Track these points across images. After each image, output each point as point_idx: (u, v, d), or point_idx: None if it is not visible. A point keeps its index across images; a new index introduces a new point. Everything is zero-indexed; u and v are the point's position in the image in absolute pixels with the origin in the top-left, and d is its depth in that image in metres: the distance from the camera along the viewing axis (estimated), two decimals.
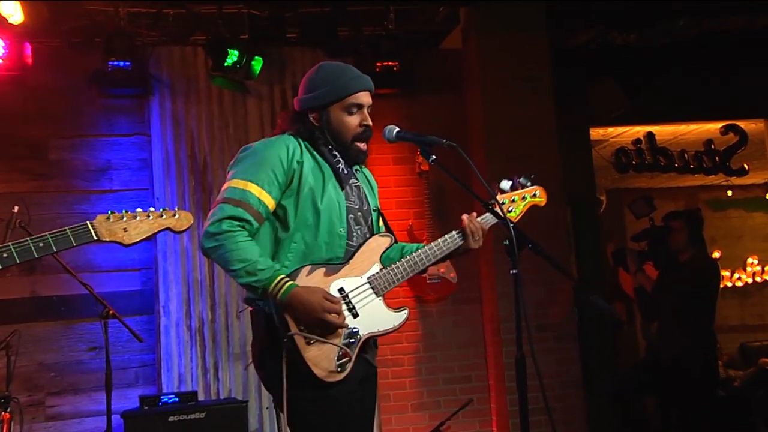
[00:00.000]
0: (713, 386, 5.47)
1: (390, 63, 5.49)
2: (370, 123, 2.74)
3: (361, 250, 2.68)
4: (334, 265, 2.62)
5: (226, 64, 5.20)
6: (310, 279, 2.55)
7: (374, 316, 2.63)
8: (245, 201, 2.54)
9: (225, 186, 2.61)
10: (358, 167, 2.85)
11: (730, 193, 9.70)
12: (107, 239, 2.18)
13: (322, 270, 2.59)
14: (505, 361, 5.43)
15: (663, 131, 7.16)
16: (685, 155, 7.25)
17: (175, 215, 2.39)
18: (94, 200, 5.31)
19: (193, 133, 5.42)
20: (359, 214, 2.74)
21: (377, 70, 5.48)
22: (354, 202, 2.73)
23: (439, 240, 2.78)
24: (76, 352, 5.13)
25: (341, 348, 2.52)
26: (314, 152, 2.69)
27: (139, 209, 2.31)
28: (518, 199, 2.98)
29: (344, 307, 2.57)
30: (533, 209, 3.02)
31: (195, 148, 5.42)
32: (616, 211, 8.64)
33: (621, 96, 6.02)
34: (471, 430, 5.67)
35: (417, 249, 2.78)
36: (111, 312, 4.19)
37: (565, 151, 5.83)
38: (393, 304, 2.71)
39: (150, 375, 5.23)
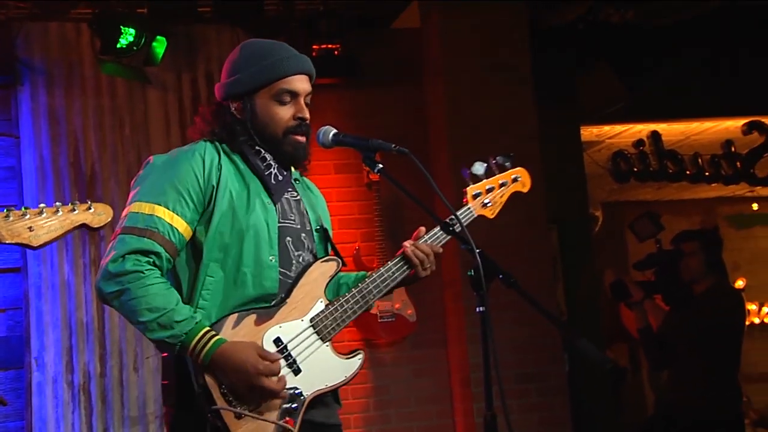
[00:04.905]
0: None
1: (330, 45, 5.54)
2: (307, 117, 2.75)
3: (300, 282, 2.68)
4: (267, 308, 2.62)
5: (119, 45, 5.18)
6: (237, 332, 2.55)
7: (321, 368, 2.66)
8: (152, 229, 2.53)
9: (126, 211, 2.59)
10: (297, 177, 2.85)
11: (755, 206, 9.76)
12: (9, 241, 2.20)
13: (252, 317, 2.58)
14: (477, 421, 5.47)
15: (671, 130, 7.23)
16: (699, 160, 7.31)
17: (89, 208, 2.39)
18: None
19: (77, 134, 5.41)
20: (302, 235, 2.76)
21: (314, 54, 5.50)
22: (293, 220, 2.75)
23: (390, 264, 2.79)
24: None
25: (278, 425, 2.53)
26: (236, 158, 2.70)
27: (42, 204, 2.32)
28: (496, 186, 3.02)
29: (283, 363, 2.58)
30: (512, 200, 3.04)
31: (79, 154, 5.40)
32: (615, 231, 8.71)
33: (618, 87, 6.06)
34: None
35: (361, 278, 2.82)
36: None
37: (550, 155, 5.88)
38: (341, 349, 2.72)
39: None
